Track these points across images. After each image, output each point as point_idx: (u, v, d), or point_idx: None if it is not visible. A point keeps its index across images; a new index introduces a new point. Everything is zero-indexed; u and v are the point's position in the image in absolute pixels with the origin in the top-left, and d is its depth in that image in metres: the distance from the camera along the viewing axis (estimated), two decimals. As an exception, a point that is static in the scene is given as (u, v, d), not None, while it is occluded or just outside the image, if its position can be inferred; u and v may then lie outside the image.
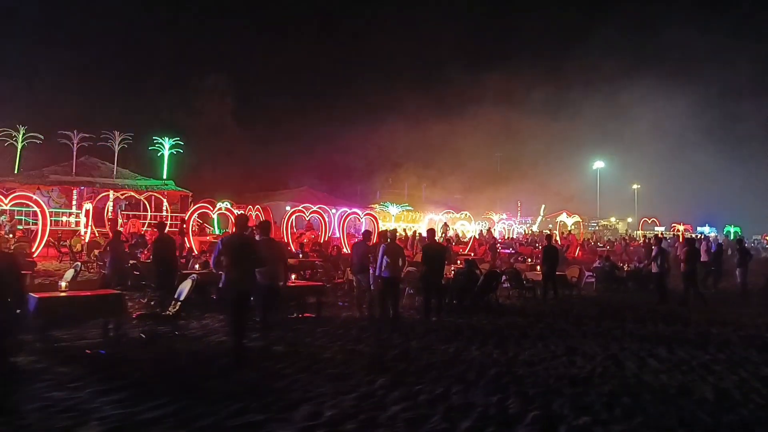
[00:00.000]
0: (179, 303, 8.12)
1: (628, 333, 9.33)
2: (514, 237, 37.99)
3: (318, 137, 58.15)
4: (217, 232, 26.31)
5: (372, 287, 9.98)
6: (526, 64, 67.56)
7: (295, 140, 58.81)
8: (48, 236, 19.22)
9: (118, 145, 32.54)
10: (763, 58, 70.86)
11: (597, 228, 53.41)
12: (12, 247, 17.22)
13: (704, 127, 56.30)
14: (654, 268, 13.20)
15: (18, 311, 5.76)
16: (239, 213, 13.93)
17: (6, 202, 20.23)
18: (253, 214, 31.13)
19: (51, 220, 27.43)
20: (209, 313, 9.51)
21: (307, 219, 26.69)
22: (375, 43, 71.78)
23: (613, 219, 58.25)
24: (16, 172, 30.11)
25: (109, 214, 24.93)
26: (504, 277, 14.30)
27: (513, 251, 25.24)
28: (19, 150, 30.18)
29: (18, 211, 21.96)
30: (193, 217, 22.80)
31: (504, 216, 45.31)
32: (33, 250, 18.23)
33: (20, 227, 20.39)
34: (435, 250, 10.31)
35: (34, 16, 54.65)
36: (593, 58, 64.94)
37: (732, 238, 36.75)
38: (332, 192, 43.29)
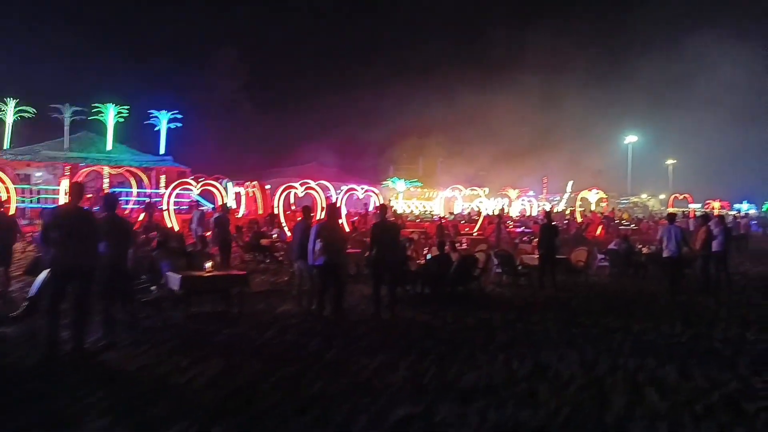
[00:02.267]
0: (29, 301, 6.33)
1: (631, 338, 6.99)
2: (535, 215, 35.34)
3: (331, 112, 56.04)
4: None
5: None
6: (554, 31, 63.22)
7: (306, 115, 56.82)
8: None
9: (113, 119, 31.12)
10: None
11: (628, 205, 49.99)
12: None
13: (746, 98, 51.62)
14: (665, 252, 10.59)
15: None
16: (74, 182, 12.05)
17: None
18: (250, 191, 29.39)
19: (38, 198, 26.40)
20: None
21: (301, 196, 24.68)
22: (392, 7, 68.37)
23: (644, 196, 54.55)
24: (5, 147, 28.86)
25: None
26: (496, 261, 12.11)
27: (524, 230, 22.75)
28: (9, 125, 28.93)
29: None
30: (173, 194, 21.13)
31: (531, 193, 42.55)
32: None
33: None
34: (386, 230, 8.11)
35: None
36: (626, 24, 60.19)
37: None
38: (343, 168, 41.18)
